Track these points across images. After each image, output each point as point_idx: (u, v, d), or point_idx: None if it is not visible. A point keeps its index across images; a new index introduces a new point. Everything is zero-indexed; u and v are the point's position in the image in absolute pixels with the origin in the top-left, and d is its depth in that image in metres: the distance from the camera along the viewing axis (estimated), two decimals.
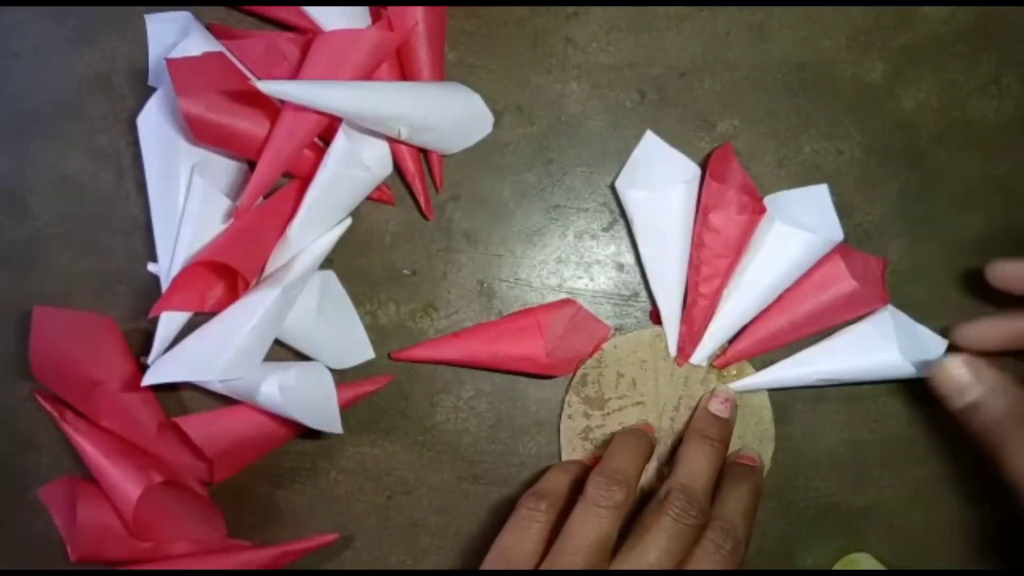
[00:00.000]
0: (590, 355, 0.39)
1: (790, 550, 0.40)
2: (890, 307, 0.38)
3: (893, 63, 0.40)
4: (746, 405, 0.39)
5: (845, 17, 0.39)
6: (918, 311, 0.39)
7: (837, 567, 0.39)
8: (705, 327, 0.38)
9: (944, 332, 0.39)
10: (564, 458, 0.39)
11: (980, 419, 0.33)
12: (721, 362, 0.38)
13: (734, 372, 0.39)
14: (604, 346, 0.39)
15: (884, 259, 0.39)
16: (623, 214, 0.39)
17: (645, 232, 0.38)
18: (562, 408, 0.39)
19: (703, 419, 0.37)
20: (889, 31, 0.39)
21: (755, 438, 0.39)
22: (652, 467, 0.39)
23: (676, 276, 0.38)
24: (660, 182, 0.38)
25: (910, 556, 0.40)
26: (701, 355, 0.38)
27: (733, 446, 0.38)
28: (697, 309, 0.38)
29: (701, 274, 0.37)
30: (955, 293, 0.40)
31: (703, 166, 0.38)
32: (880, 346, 0.37)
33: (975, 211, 0.40)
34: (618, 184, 0.39)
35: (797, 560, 0.40)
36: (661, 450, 0.39)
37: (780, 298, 0.38)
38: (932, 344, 0.38)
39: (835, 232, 0.37)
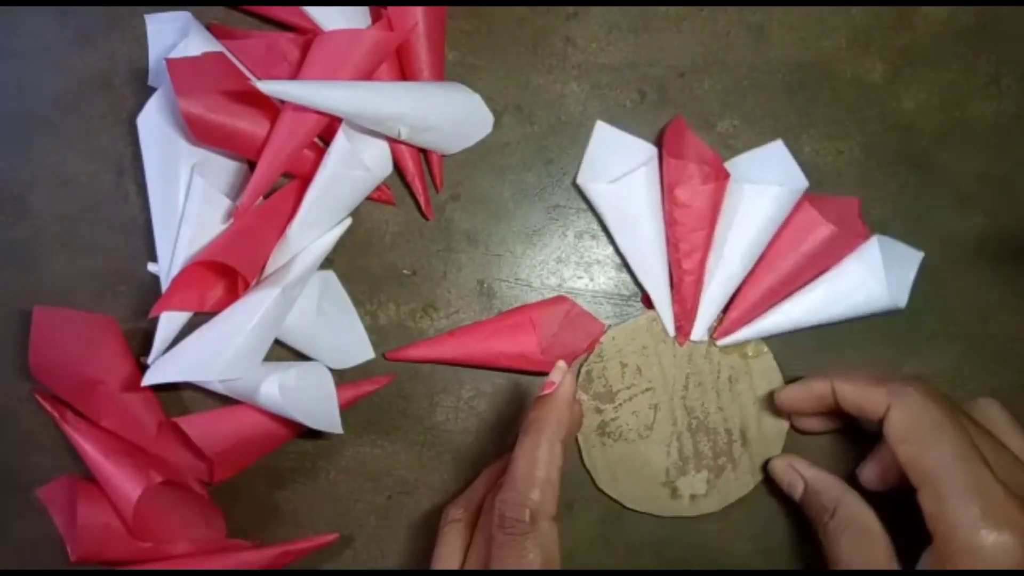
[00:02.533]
0: (585, 351, 0.39)
1: (790, 550, 0.40)
2: (876, 237, 0.38)
3: (893, 63, 0.40)
4: (761, 389, 0.39)
5: (845, 17, 0.39)
6: (918, 311, 0.39)
7: None
8: (697, 302, 0.38)
9: (947, 335, 0.39)
10: (585, 457, 0.39)
11: (808, 508, 0.36)
12: (720, 332, 0.38)
13: (750, 353, 0.39)
14: (602, 339, 0.39)
15: (857, 198, 0.39)
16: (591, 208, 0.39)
17: (616, 222, 0.38)
18: None
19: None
20: (889, 31, 0.39)
21: (772, 427, 0.39)
22: (674, 449, 0.39)
23: (657, 258, 0.38)
24: (619, 170, 0.38)
25: (910, 556, 0.40)
26: (699, 330, 0.39)
27: (752, 434, 0.39)
28: (685, 286, 0.38)
29: (681, 251, 0.37)
30: (955, 293, 0.40)
31: (659, 144, 0.38)
32: (870, 274, 0.37)
33: (975, 211, 0.40)
34: (579, 181, 0.39)
35: (797, 560, 0.40)
36: (679, 429, 0.39)
37: (763, 258, 0.38)
38: (910, 261, 0.38)
39: (799, 182, 0.37)
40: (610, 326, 0.39)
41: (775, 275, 0.38)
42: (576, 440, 0.39)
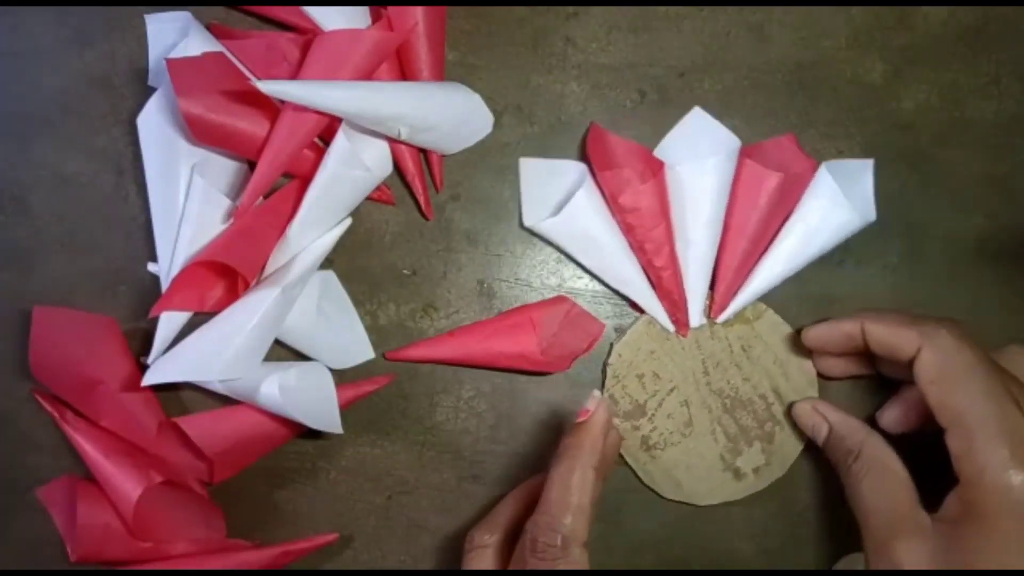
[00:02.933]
0: (585, 351, 0.39)
1: (790, 550, 0.40)
2: (824, 165, 0.38)
3: (893, 63, 0.40)
4: (775, 346, 0.39)
5: (845, 17, 0.39)
6: (918, 311, 0.39)
7: (837, 567, 0.39)
8: (682, 292, 0.38)
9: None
10: (642, 476, 0.39)
11: (832, 452, 0.36)
12: (716, 310, 0.39)
13: (751, 317, 0.39)
14: (610, 361, 0.39)
15: (790, 134, 0.39)
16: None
17: (577, 248, 0.38)
18: None
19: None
20: (889, 31, 0.39)
21: (802, 377, 0.39)
22: (720, 433, 0.39)
23: (628, 267, 0.38)
24: (558, 197, 0.38)
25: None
26: (695, 316, 0.39)
27: (785, 390, 0.39)
28: (665, 282, 0.38)
29: (648, 251, 0.37)
30: (955, 293, 0.40)
31: (585, 158, 0.39)
32: (832, 203, 0.37)
33: (975, 211, 0.40)
34: (526, 224, 0.39)
35: (797, 560, 0.40)
36: (716, 413, 0.39)
37: (727, 226, 0.38)
38: (863, 174, 0.38)
39: (732, 143, 0.37)
40: (612, 344, 0.39)
41: (745, 238, 0.38)
42: (627, 464, 0.39)
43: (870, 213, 0.38)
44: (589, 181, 0.38)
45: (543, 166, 0.39)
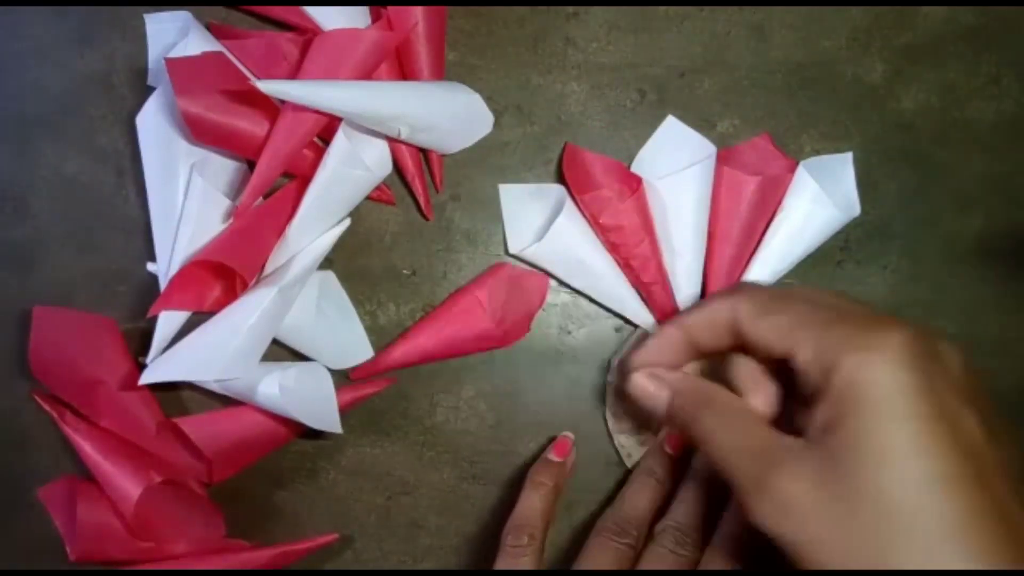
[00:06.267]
0: (539, 307, 0.39)
1: None
2: (802, 164, 0.38)
3: (893, 63, 0.40)
4: None
5: (845, 17, 0.39)
6: (918, 311, 0.39)
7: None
8: (674, 304, 0.38)
9: (946, 335, 0.39)
10: None
11: (678, 415, 0.32)
12: None
13: None
14: (610, 379, 0.39)
15: (766, 134, 0.39)
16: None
17: (564, 271, 0.38)
18: (618, 454, 0.39)
19: (648, 458, 0.38)
20: (889, 31, 0.39)
21: None
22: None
23: (617, 285, 0.38)
24: (539, 221, 0.38)
25: None
26: None
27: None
28: (655, 296, 0.38)
29: (635, 268, 0.37)
30: (955, 293, 0.40)
31: (562, 179, 0.39)
32: (814, 202, 0.37)
33: (975, 211, 0.40)
34: (512, 251, 0.39)
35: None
36: None
37: (713, 234, 0.38)
38: (842, 169, 0.38)
39: (707, 149, 0.37)
40: (611, 361, 0.39)
41: (731, 244, 0.37)
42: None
43: (854, 208, 0.38)
44: (569, 203, 0.38)
45: (523, 191, 0.39)
